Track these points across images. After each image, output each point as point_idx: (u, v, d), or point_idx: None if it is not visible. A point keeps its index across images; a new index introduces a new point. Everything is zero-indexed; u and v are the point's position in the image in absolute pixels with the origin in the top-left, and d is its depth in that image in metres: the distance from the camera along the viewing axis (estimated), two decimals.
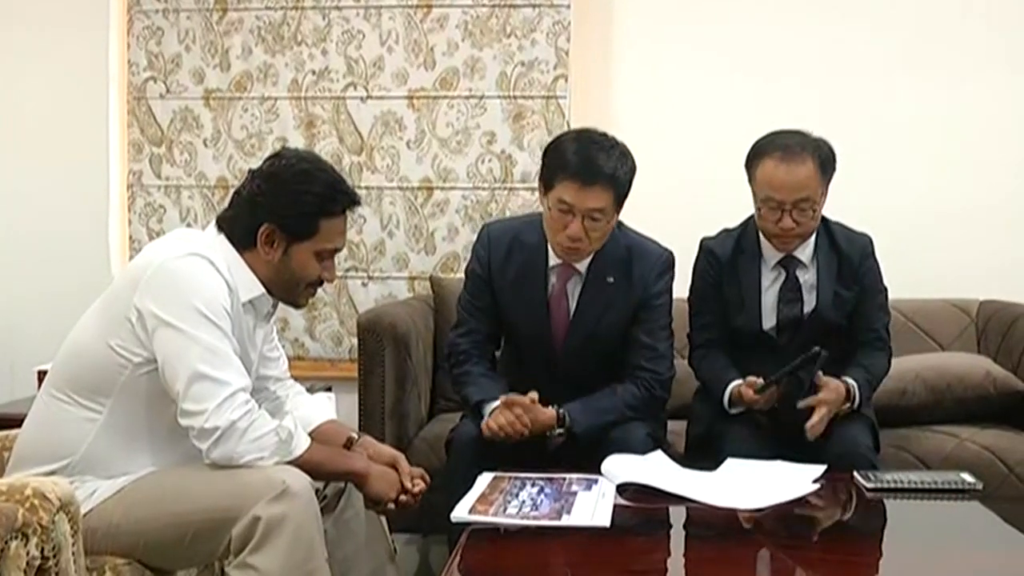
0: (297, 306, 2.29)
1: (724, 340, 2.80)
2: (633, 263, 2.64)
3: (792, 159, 2.57)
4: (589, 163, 2.45)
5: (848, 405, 2.64)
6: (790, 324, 2.72)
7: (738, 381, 2.66)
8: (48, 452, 2.04)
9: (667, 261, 2.68)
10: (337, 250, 2.19)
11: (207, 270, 2.02)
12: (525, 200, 3.83)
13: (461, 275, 3.61)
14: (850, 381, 2.64)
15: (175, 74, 3.94)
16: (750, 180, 2.67)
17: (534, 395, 2.51)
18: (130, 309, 1.99)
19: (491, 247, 2.70)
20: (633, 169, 2.52)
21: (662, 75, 3.84)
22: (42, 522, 1.68)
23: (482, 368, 2.68)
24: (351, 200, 2.17)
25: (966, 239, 3.73)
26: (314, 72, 3.89)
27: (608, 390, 2.61)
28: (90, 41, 3.96)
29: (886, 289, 2.80)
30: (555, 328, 2.65)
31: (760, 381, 2.59)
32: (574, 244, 2.50)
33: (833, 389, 2.60)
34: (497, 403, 2.52)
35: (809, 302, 2.72)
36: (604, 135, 2.53)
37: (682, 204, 3.64)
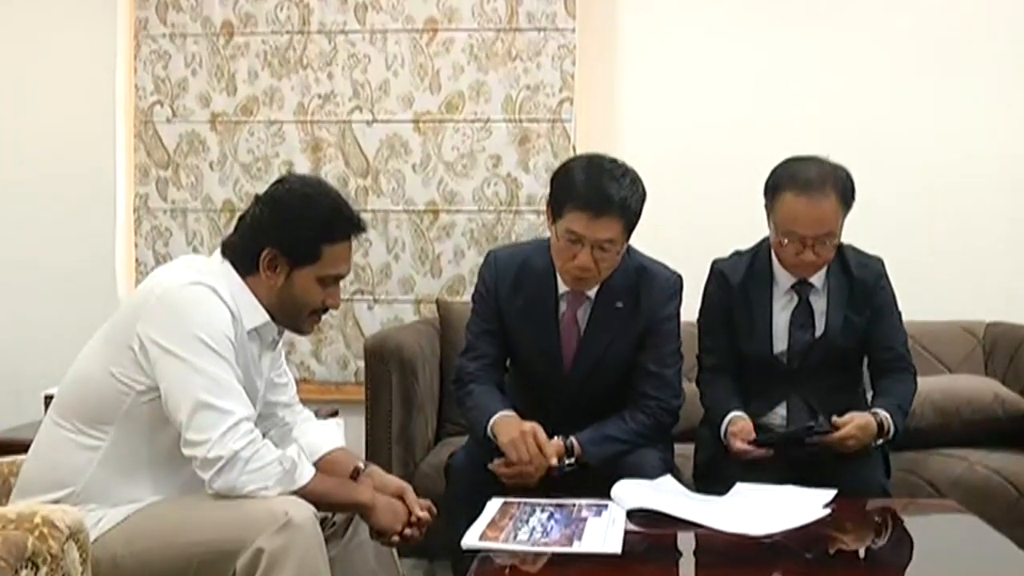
0: (302, 333, 2.27)
1: (731, 365, 2.77)
2: (642, 287, 2.60)
3: (814, 194, 2.52)
4: (599, 193, 2.39)
5: (881, 440, 2.57)
6: (801, 349, 2.69)
7: (737, 412, 2.63)
8: (52, 480, 2.02)
9: (675, 285, 2.65)
10: (341, 276, 2.16)
11: (210, 299, 2.01)
12: (531, 223, 3.84)
13: (467, 299, 3.59)
14: (882, 414, 2.56)
15: (182, 98, 3.95)
16: (769, 210, 2.62)
17: (539, 431, 2.45)
18: (132, 337, 1.98)
19: (498, 274, 2.66)
20: (643, 196, 2.47)
21: (667, 98, 3.85)
22: (51, 551, 1.66)
23: (485, 387, 2.61)
24: (355, 226, 2.14)
25: (973, 261, 3.73)
26: (320, 96, 3.91)
27: (617, 418, 2.57)
28: (97, 65, 3.98)
29: (900, 312, 2.76)
30: (564, 354, 2.62)
31: (751, 429, 2.56)
32: (583, 274, 2.47)
33: (863, 426, 2.52)
34: (499, 415, 2.48)
35: (820, 327, 2.68)
36: (614, 161, 2.48)
37: (689, 227, 3.63)
